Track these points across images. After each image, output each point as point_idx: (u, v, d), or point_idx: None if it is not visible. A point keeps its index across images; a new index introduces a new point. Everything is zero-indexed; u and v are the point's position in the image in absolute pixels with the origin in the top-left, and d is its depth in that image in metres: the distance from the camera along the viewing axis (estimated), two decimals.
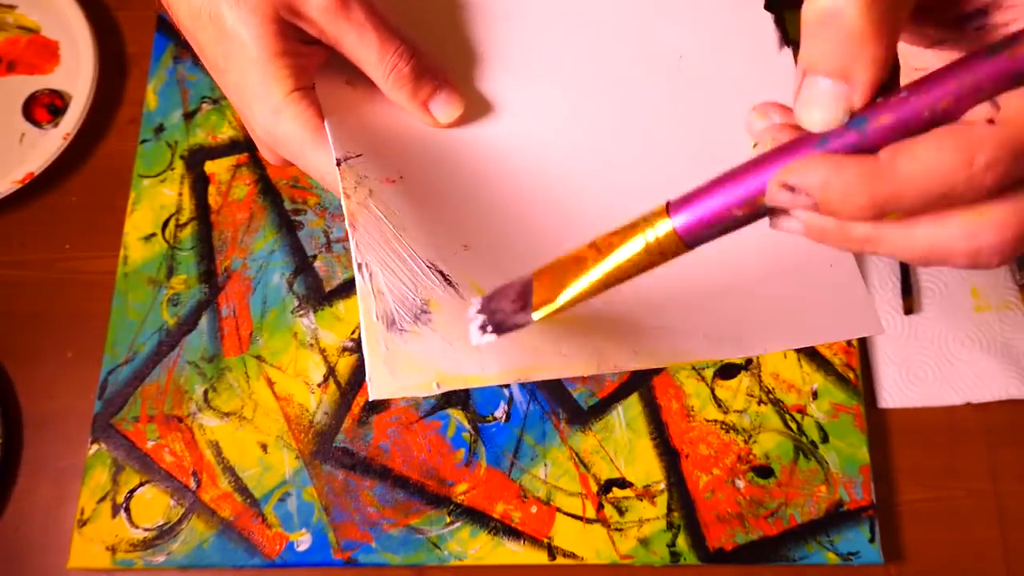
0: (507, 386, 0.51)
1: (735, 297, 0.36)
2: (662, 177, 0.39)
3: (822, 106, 0.23)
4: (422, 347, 0.32)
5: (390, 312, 0.32)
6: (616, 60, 0.42)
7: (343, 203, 0.34)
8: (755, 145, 0.26)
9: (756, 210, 0.24)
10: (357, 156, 0.35)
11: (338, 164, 0.34)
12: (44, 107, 0.59)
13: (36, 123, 0.59)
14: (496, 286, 0.32)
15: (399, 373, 0.32)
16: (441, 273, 0.34)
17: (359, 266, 0.33)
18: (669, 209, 0.26)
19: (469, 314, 0.31)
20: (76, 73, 0.59)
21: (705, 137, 0.40)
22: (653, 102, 0.41)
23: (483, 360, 0.32)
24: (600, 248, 0.28)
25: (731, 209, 0.24)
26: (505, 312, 0.30)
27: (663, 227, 0.26)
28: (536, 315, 0.29)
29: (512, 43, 0.41)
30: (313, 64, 0.36)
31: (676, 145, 0.40)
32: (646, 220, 0.26)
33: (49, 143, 0.56)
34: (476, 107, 0.39)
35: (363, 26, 0.34)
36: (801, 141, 0.24)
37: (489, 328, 0.30)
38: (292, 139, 0.34)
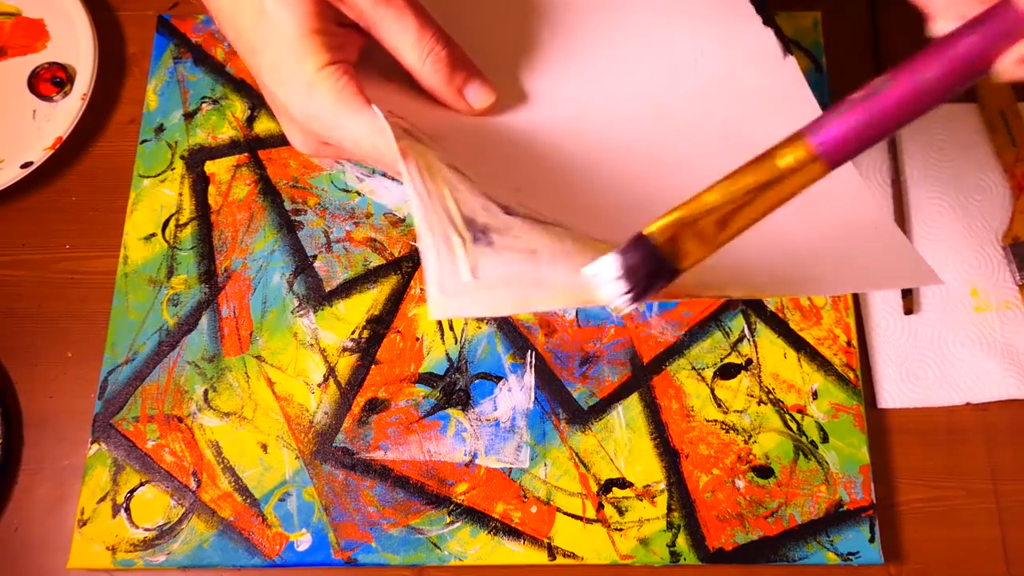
0: (508, 386, 0.51)
1: (789, 247, 0.37)
2: (685, 156, 0.41)
3: None
4: (482, 269, 0.31)
5: (452, 233, 0.31)
6: (641, 60, 0.44)
7: (391, 145, 0.32)
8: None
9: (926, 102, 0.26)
10: (401, 117, 0.35)
11: (386, 117, 0.33)
12: (48, 81, 0.59)
13: (45, 97, 0.59)
14: (567, 222, 0.33)
15: (462, 294, 0.31)
16: (498, 204, 0.33)
17: (415, 192, 0.32)
18: (806, 134, 0.27)
19: (596, 279, 0.30)
20: (74, 42, 0.60)
21: (723, 127, 0.42)
22: (675, 94, 0.43)
23: (544, 283, 0.31)
24: (728, 192, 0.28)
25: (886, 113, 0.26)
26: (642, 277, 0.30)
27: (801, 152, 0.27)
28: (684, 270, 0.30)
29: (543, 44, 0.43)
30: (349, 45, 0.36)
31: (697, 131, 0.42)
32: (780, 150, 0.27)
33: (67, 109, 0.58)
34: (508, 99, 0.40)
35: (403, 11, 0.35)
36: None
37: (636, 296, 0.30)
38: (325, 109, 0.34)
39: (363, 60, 0.37)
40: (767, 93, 0.44)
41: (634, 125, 0.42)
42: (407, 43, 0.35)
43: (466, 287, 0.31)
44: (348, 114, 0.34)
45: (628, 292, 0.30)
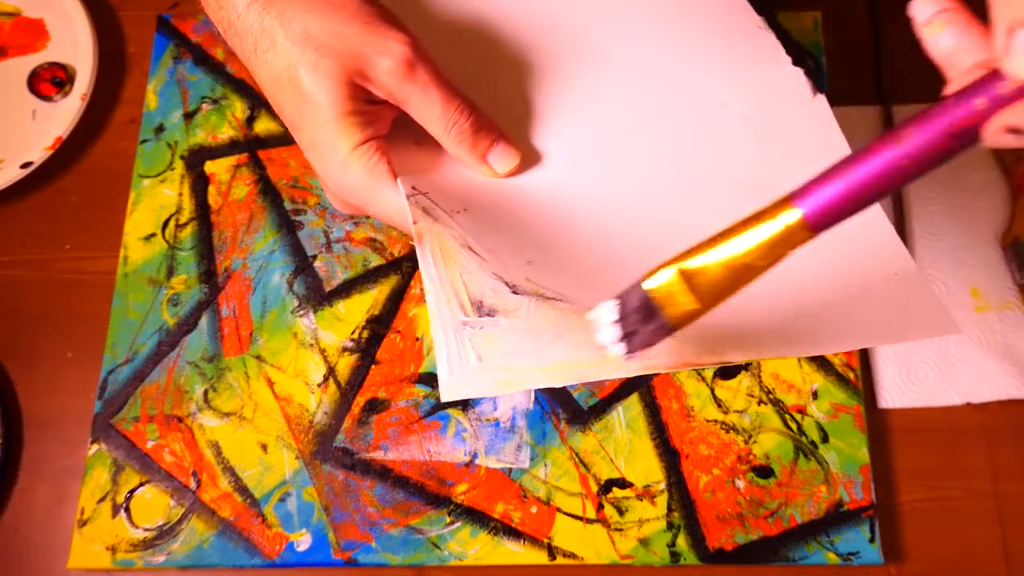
0: None
1: (804, 302, 0.37)
2: (712, 206, 0.41)
3: None
4: (489, 351, 0.34)
5: (460, 319, 0.34)
6: (660, 108, 0.44)
7: (411, 229, 0.35)
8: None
9: (917, 168, 0.26)
10: (424, 194, 0.37)
11: (407, 198, 0.36)
12: (47, 81, 0.59)
13: (45, 97, 0.59)
14: (573, 296, 0.34)
15: (467, 378, 0.33)
16: (506, 283, 0.35)
17: (429, 278, 0.34)
18: (793, 199, 0.27)
19: (601, 339, 0.32)
20: (74, 42, 0.60)
21: (750, 175, 0.42)
22: (699, 142, 0.43)
23: (545, 362, 0.33)
24: (720, 249, 0.29)
25: (870, 185, 0.26)
26: (638, 328, 0.31)
27: (788, 217, 0.27)
28: (676, 327, 0.30)
29: (560, 99, 0.44)
30: (381, 120, 0.39)
31: (722, 181, 0.42)
32: (766, 213, 0.28)
33: (67, 109, 0.58)
34: (531, 158, 0.42)
35: (427, 87, 0.37)
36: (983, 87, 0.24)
37: (631, 346, 0.31)
38: (359, 185, 0.37)
39: (398, 127, 0.40)
40: (796, 136, 0.43)
41: (654, 180, 0.42)
42: (433, 117, 0.38)
43: (473, 369, 0.33)
44: (380, 191, 0.37)
45: (622, 339, 0.31)
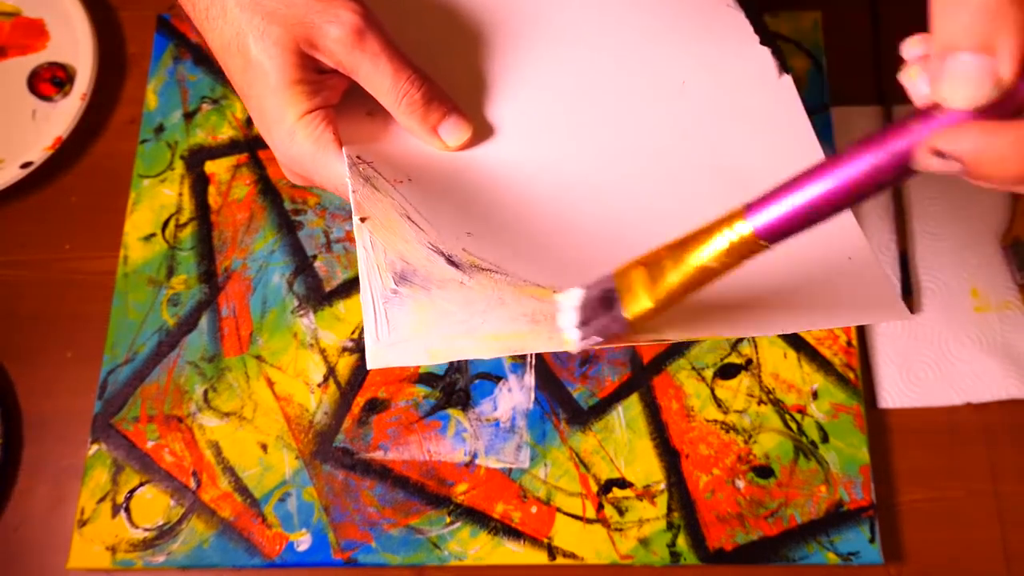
0: (508, 386, 0.51)
1: (752, 282, 0.37)
2: (665, 189, 0.41)
3: (968, 82, 0.22)
4: (418, 320, 0.33)
5: (390, 288, 0.34)
6: (618, 85, 0.44)
7: (351, 197, 0.35)
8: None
9: (852, 194, 0.25)
10: (368, 163, 0.37)
11: (349, 167, 0.36)
12: (47, 81, 0.59)
13: (45, 97, 0.59)
14: (511, 267, 0.34)
15: (395, 345, 0.33)
16: (442, 254, 0.35)
17: (362, 246, 0.34)
18: (746, 212, 0.27)
19: (560, 321, 0.32)
20: (74, 42, 0.60)
21: (708, 155, 0.42)
22: (656, 121, 0.43)
23: (474, 333, 0.33)
24: (680, 252, 0.29)
25: (819, 203, 0.26)
26: (599, 319, 0.31)
27: (741, 229, 0.27)
28: (633, 323, 0.31)
29: (517, 73, 0.43)
30: (331, 89, 0.38)
31: (677, 160, 0.42)
32: (723, 222, 0.28)
33: (67, 109, 0.58)
34: (483, 132, 0.41)
35: (378, 56, 0.37)
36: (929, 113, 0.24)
37: (586, 333, 0.32)
38: (306, 155, 0.37)
39: (351, 97, 0.39)
40: (760, 115, 0.43)
41: (607, 158, 0.42)
42: (383, 87, 0.37)
43: (401, 337, 0.33)
44: (325, 160, 0.37)
45: (580, 325, 0.32)
